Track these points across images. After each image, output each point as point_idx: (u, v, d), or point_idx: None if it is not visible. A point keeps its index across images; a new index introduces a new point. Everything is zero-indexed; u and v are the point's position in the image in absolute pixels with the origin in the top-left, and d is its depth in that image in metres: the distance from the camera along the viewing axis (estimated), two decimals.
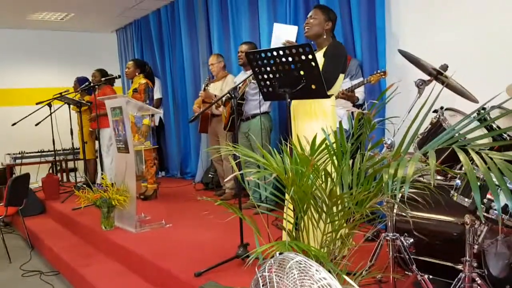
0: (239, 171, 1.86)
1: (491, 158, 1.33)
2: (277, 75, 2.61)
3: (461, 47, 3.31)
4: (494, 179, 1.38)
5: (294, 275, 1.22)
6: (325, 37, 3.03)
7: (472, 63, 3.20)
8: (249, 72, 4.43)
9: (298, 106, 3.05)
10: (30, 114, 6.20)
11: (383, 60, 3.79)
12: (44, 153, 7.43)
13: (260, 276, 1.29)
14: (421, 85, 2.49)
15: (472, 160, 1.44)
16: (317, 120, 2.90)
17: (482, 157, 1.37)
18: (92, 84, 5.92)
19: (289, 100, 2.65)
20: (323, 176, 1.72)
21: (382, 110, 3.72)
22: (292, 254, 1.25)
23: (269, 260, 1.33)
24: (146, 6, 7.06)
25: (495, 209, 1.87)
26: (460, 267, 2.19)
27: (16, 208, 4.82)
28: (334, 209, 1.78)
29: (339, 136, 1.76)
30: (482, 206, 1.91)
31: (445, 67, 2.50)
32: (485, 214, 1.91)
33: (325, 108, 2.91)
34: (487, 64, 3.17)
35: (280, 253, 1.32)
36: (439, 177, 2.57)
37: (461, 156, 1.34)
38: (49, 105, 6.22)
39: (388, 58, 3.76)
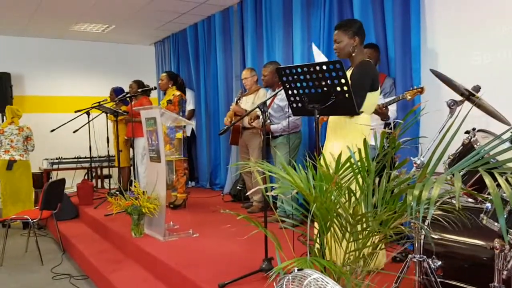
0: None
1: None
2: (307, 91, 2.63)
3: (495, 69, 3.25)
4: None
5: None
6: (355, 53, 3.03)
7: (507, 86, 3.13)
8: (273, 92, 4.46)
9: (332, 123, 3.04)
10: (68, 122, 6.40)
11: (418, 79, 3.75)
12: (80, 160, 7.62)
13: None
14: (452, 105, 2.45)
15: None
16: (349, 138, 2.85)
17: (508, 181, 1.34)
18: (129, 95, 6.12)
19: (318, 116, 2.64)
20: (346, 194, 1.72)
21: (416, 129, 3.67)
22: (310, 270, 1.26)
23: (287, 275, 1.33)
24: (184, 20, 7.25)
25: None
26: None
27: (51, 212, 4.98)
28: (358, 227, 1.77)
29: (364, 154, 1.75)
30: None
31: (477, 88, 2.45)
32: None
33: (357, 126, 2.89)
34: None
35: (299, 269, 1.32)
36: (470, 200, 2.52)
37: (487, 179, 1.32)
38: (88, 113, 6.41)
39: (423, 78, 3.72)
